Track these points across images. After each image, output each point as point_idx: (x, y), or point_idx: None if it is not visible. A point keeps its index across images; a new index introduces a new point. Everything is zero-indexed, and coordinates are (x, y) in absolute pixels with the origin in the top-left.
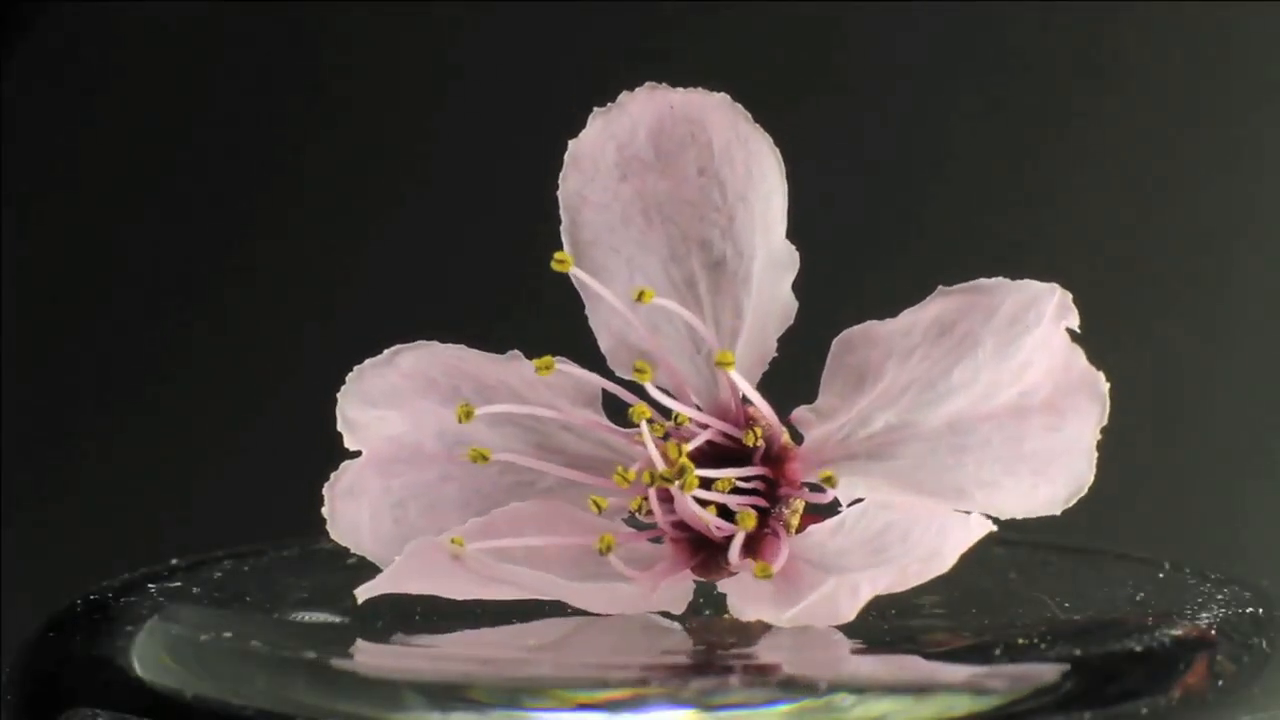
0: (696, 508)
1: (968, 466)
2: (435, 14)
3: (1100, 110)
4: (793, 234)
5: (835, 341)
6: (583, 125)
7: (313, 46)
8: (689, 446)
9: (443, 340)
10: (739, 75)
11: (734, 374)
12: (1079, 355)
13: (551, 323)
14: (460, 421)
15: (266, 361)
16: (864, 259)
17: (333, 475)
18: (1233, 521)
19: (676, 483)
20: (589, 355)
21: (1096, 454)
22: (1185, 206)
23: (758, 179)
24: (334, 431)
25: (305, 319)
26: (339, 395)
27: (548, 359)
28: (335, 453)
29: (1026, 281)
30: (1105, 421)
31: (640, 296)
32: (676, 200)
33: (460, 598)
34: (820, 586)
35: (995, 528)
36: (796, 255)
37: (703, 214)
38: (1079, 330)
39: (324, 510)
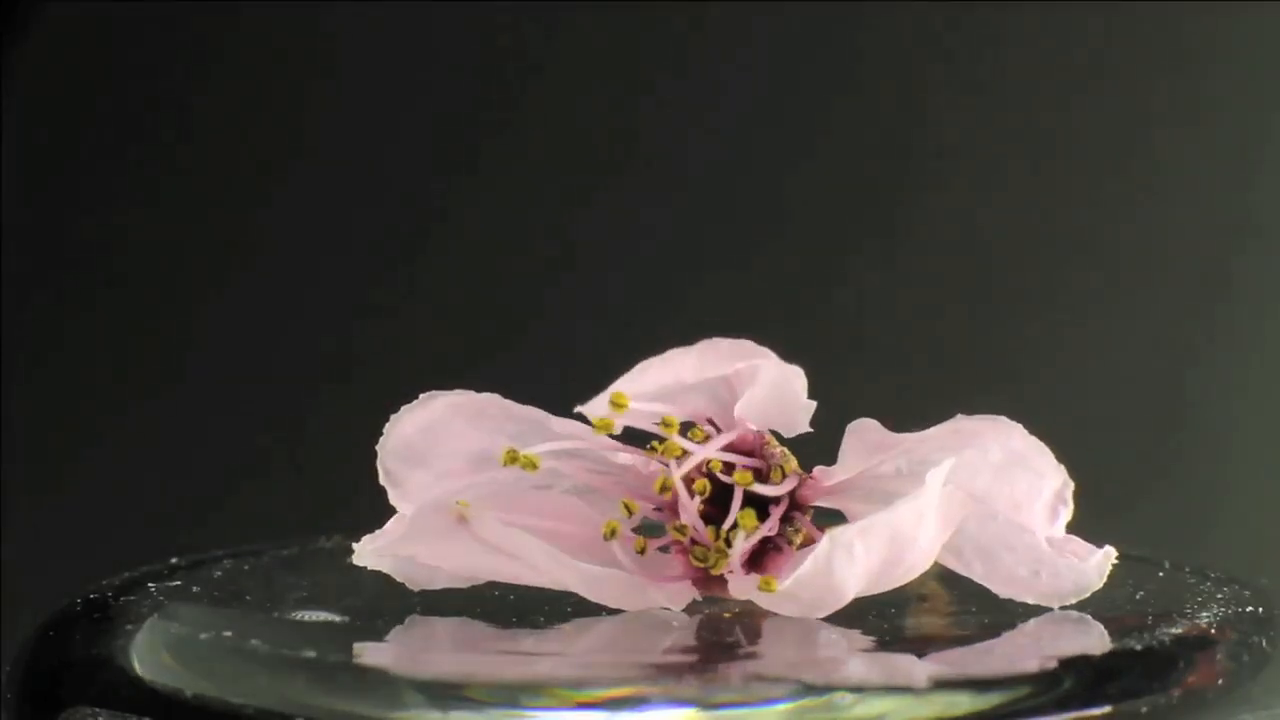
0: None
1: (969, 527)
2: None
3: (1101, 109)
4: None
5: (850, 427)
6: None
7: (318, 49)
8: (725, 526)
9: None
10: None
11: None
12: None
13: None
14: (503, 464)
15: (268, 362)
16: (862, 260)
17: (365, 537)
18: (1233, 521)
19: (709, 562)
20: (590, 366)
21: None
22: (1187, 206)
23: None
24: (336, 433)
25: (307, 321)
26: (378, 448)
27: (608, 420)
28: (337, 454)
29: (1041, 444)
30: (1116, 559)
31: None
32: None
33: (462, 570)
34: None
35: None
36: (812, 407)
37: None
38: (1064, 532)
39: (356, 546)
